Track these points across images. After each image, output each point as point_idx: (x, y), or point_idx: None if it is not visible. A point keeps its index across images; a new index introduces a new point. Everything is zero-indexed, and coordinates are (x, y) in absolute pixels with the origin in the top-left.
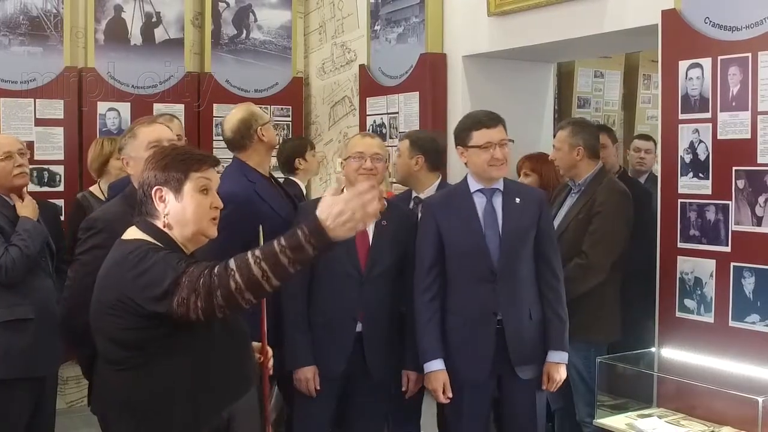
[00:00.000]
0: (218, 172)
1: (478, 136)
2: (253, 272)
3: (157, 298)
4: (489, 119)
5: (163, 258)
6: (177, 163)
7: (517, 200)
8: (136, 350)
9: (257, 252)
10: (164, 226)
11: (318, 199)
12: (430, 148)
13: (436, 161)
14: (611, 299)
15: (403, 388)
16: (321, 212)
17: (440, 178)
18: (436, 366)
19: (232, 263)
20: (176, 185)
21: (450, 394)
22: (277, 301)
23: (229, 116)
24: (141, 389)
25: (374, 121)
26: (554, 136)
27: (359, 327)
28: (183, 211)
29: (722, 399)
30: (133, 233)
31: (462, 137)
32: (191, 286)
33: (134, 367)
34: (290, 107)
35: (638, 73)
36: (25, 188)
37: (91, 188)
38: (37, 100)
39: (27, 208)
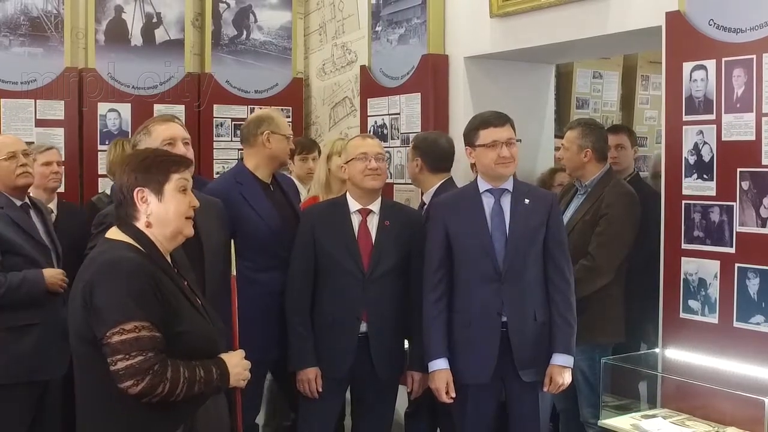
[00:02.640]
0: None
1: (485, 135)
2: (176, 388)
3: (101, 325)
4: (496, 118)
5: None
6: (158, 164)
7: (527, 201)
8: (95, 347)
9: (186, 374)
10: (147, 226)
11: (317, 206)
12: (429, 151)
13: (437, 163)
14: (617, 301)
15: (408, 389)
16: (231, 367)
17: (445, 179)
18: (440, 365)
19: (168, 373)
20: (157, 186)
21: (453, 394)
22: (281, 303)
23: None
24: (101, 387)
25: (375, 122)
26: (555, 137)
27: (364, 327)
28: (165, 211)
29: (727, 400)
30: (115, 234)
31: (470, 137)
32: (141, 355)
33: (95, 363)
34: (290, 108)
35: (636, 74)
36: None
37: (107, 190)
38: (37, 100)
39: (52, 277)
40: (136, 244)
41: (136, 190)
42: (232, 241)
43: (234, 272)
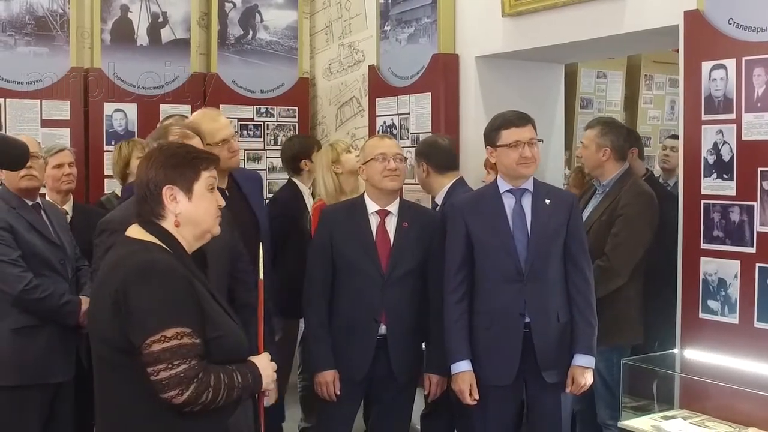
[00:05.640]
0: None
1: (507, 135)
2: (218, 395)
3: (139, 332)
4: (518, 118)
5: (169, 291)
6: (188, 161)
7: (547, 201)
8: (128, 354)
9: (226, 380)
10: (175, 225)
11: (335, 208)
12: (431, 153)
13: (441, 163)
14: (635, 302)
15: (425, 392)
16: (262, 370)
17: (455, 179)
18: (463, 367)
19: (212, 380)
20: (188, 184)
21: (477, 396)
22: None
23: None
24: (134, 395)
25: (384, 122)
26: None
27: (383, 329)
28: (195, 210)
29: (747, 400)
30: (137, 232)
31: (491, 137)
32: (187, 364)
33: (128, 370)
34: (296, 108)
35: (640, 73)
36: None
37: (116, 190)
38: (43, 101)
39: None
40: (162, 245)
41: (165, 187)
42: (260, 244)
43: (261, 276)
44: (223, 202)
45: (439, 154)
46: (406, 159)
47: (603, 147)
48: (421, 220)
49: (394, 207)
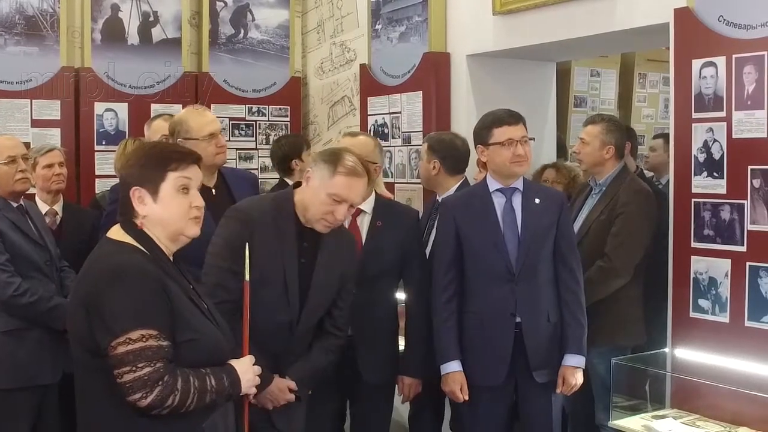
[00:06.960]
0: None
1: (500, 133)
2: (187, 399)
3: (105, 334)
4: (510, 116)
5: (136, 293)
6: (155, 161)
7: (537, 200)
8: (99, 356)
9: (196, 383)
10: (139, 227)
11: None
12: (447, 153)
13: (455, 165)
14: (636, 302)
15: (399, 393)
16: (241, 374)
17: (462, 180)
18: (453, 367)
19: (179, 384)
20: (153, 186)
21: (466, 397)
22: None
23: None
24: (107, 396)
25: (376, 121)
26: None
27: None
28: (161, 212)
29: (738, 399)
30: (117, 233)
31: (482, 135)
32: (151, 367)
33: (100, 372)
34: (288, 107)
35: (634, 72)
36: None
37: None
38: (33, 100)
39: None
40: (139, 246)
41: (133, 189)
42: (246, 244)
43: (247, 277)
44: (201, 202)
45: (456, 155)
46: (389, 157)
47: (607, 144)
48: (397, 219)
49: (368, 205)
